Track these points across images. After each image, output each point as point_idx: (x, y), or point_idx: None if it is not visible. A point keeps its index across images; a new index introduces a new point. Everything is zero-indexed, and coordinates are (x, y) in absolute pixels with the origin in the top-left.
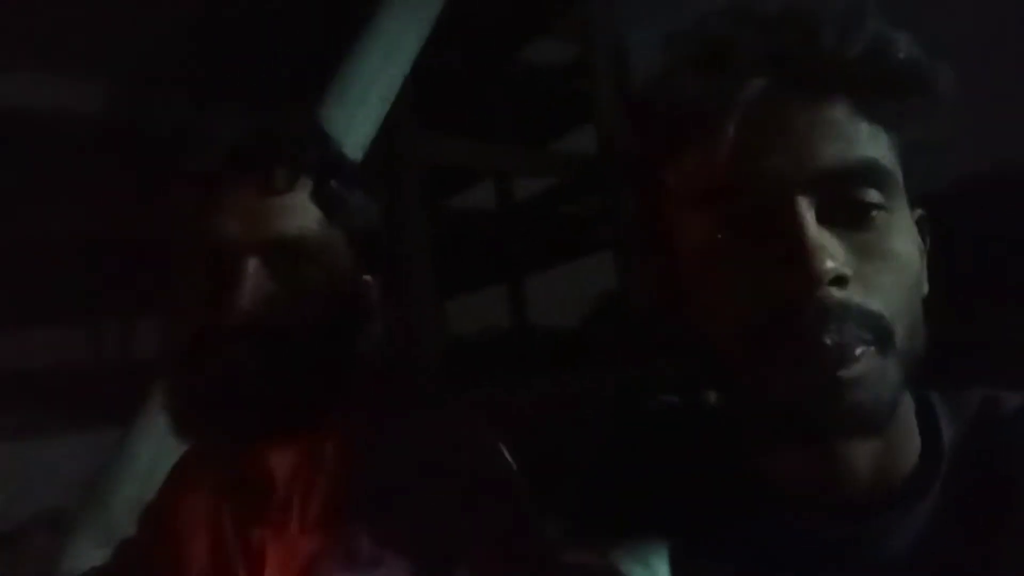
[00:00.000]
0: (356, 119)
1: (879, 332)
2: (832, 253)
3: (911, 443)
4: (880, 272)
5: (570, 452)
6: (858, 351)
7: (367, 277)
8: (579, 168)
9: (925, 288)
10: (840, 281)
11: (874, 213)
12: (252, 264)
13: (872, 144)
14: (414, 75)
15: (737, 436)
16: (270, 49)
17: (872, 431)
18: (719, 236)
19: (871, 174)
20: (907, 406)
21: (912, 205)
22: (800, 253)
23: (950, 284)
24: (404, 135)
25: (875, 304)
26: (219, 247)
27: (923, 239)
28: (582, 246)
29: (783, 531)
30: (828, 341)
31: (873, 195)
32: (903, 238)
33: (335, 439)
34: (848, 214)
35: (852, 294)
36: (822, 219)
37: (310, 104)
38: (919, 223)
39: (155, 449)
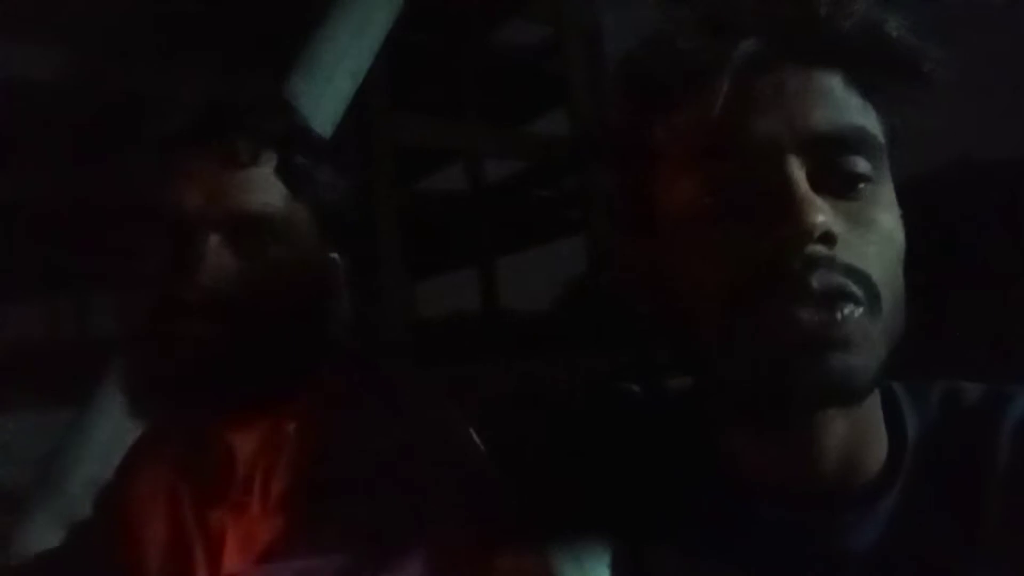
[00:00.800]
0: (325, 95)
1: (867, 291)
2: (823, 210)
3: (878, 434)
4: (867, 241)
5: (528, 441)
6: (846, 309)
7: (334, 255)
8: (552, 151)
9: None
10: (828, 238)
11: (862, 184)
12: (213, 240)
13: (863, 115)
14: (387, 54)
15: (703, 424)
16: (237, 19)
17: (853, 399)
18: (708, 197)
19: (861, 142)
20: (874, 396)
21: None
22: (790, 208)
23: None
24: (376, 114)
25: (863, 265)
26: (180, 221)
27: None
28: (554, 229)
29: (748, 521)
30: (815, 284)
31: (862, 164)
32: (889, 212)
33: (299, 420)
34: (837, 181)
35: (840, 252)
36: (812, 184)
37: (277, 77)
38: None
39: (112, 429)
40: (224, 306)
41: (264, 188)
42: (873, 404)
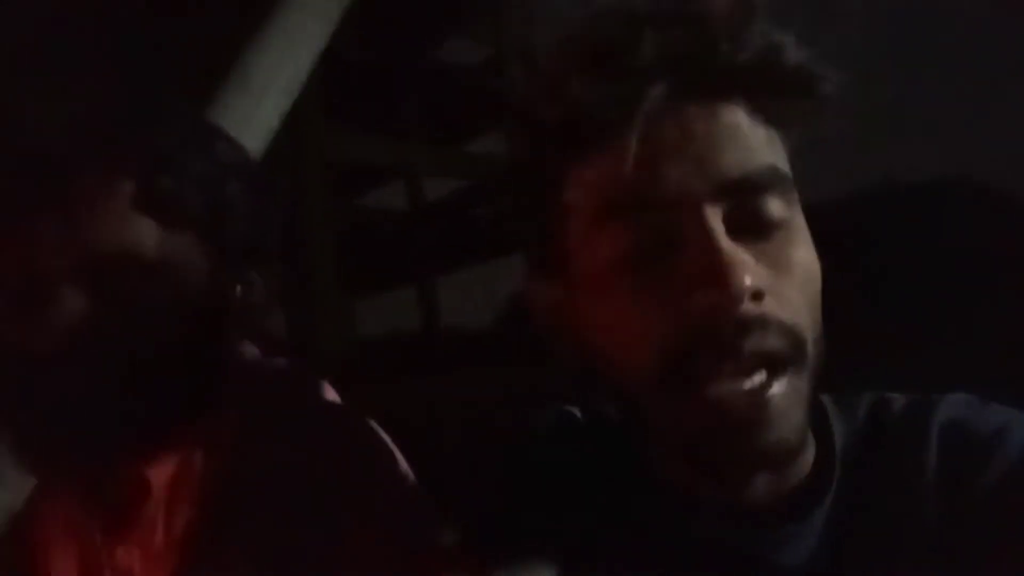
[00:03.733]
0: (258, 111)
1: (794, 344)
2: (748, 268)
3: (807, 449)
4: (787, 284)
5: (465, 463)
6: (776, 383)
7: (249, 277)
8: (492, 169)
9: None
10: (757, 296)
11: (777, 221)
12: (65, 291)
13: (771, 150)
14: (324, 70)
15: (637, 446)
16: (162, 34)
17: (787, 462)
18: (625, 251)
19: (773, 182)
20: None
21: None
22: (717, 270)
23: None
24: (312, 131)
25: (788, 315)
26: (26, 271)
27: None
28: (494, 248)
29: (683, 540)
30: (747, 351)
31: (775, 203)
32: (805, 246)
33: (204, 447)
34: (753, 223)
35: (768, 306)
36: (729, 230)
37: (204, 92)
38: None
39: None
40: (87, 359)
41: (125, 224)
42: None
